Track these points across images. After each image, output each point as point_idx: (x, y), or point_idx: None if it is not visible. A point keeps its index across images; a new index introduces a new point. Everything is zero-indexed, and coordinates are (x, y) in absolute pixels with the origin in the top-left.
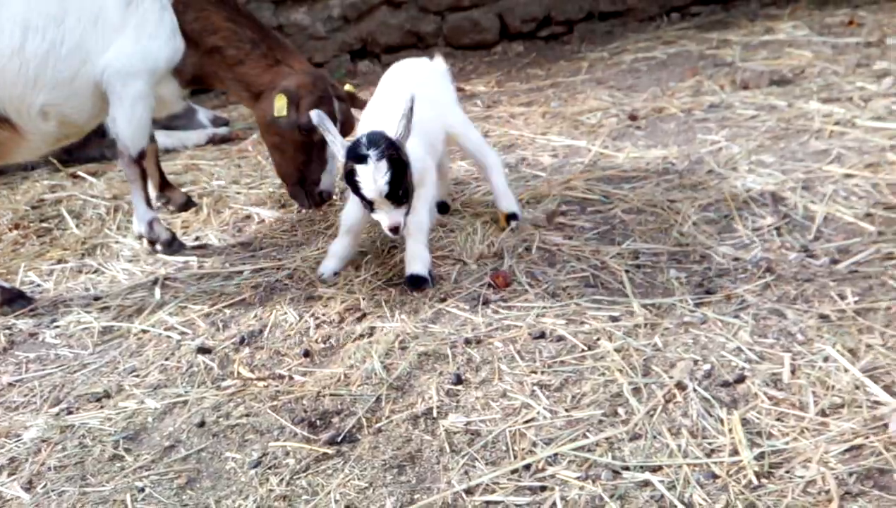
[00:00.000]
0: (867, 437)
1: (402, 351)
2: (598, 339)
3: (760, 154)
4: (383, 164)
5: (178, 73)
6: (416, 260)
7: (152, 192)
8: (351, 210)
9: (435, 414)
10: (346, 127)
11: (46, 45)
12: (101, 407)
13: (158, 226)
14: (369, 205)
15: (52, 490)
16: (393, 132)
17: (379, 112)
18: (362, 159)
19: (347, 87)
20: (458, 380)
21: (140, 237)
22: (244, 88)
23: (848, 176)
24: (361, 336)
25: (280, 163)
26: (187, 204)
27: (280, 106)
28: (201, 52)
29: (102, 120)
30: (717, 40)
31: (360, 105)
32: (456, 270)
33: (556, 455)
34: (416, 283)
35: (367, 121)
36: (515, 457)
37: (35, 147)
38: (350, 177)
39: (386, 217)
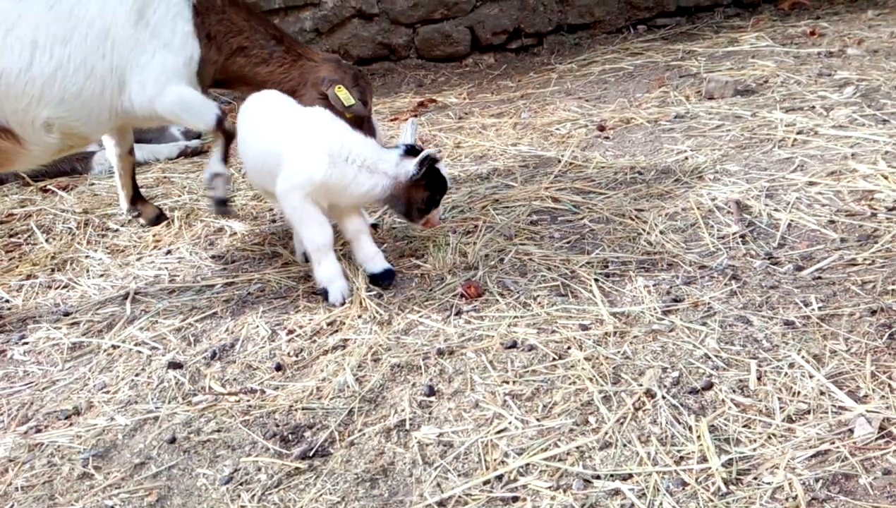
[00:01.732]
0: (833, 443)
1: (375, 363)
2: (569, 348)
3: (725, 163)
4: None
5: (200, 79)
6: (377, 257)
7: (124, 204)
8: (319, 229)
9: (408, 426)
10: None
11: (54, 63)
12: (71, 425)
13: (219, 182)
14: (438, 203)
15: None
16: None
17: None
18: (437, 160)
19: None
20: (431, 392)
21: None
22: (271, 88)
23: (811, 184)
24: (334, 348)
25: None
26: (159, 218)
27: (345, 95)
28: (224, 54)
29: (110, 129)
30: (683, 51)
31: None
32: (428, 281)
33: (527, 465)
34: (388, 277)
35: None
36: (487, 468)
37: (36, 157)
38: (435, 178)
39: (439, 211)
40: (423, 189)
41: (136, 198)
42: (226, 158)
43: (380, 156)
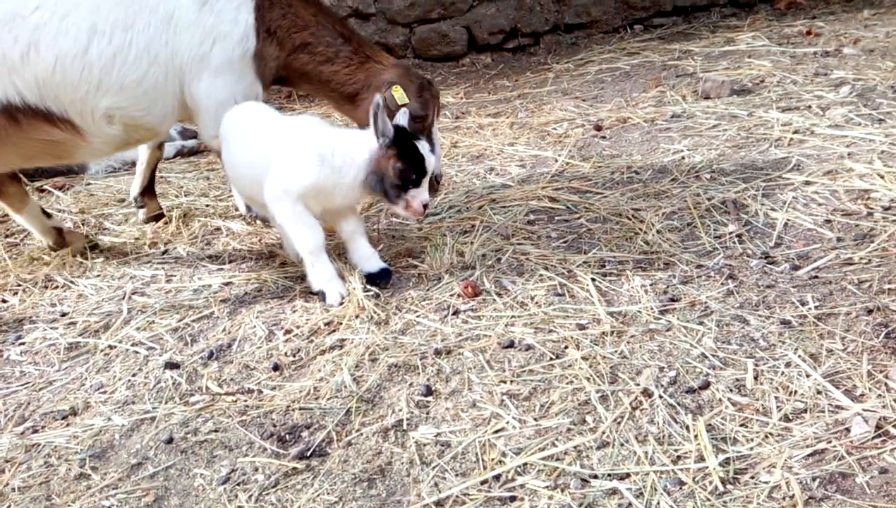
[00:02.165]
0: (829, 442)
1: (373, 363)
2: (566, 348)
3: (722, 162)
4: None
5: (259, 74)
6: (373, 257)
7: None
8: (310, 232)
9: (405, 426)
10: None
11: (113, 48)
12: (68, 425)
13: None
14: (417, 182)
15: None
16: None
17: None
18: (415, 137)
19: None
20: (429, 391)
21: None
22: (335, 89)
23: (807, 183)
24: (331, 348)
25: None
26: (157, 217)
27: (400, 95)
28: (287, 50)
29: (176, 120)
30: (680, 51)
31: None
32: (425, 281)
33: (525, 464)
34: (385, 276)
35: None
36: (485, 468)
37: (97, 149)
38: (408, 148)
39: (421, 195)
40: (396, 158)
41: (147, 191)
42: None
43: (356, 137)
